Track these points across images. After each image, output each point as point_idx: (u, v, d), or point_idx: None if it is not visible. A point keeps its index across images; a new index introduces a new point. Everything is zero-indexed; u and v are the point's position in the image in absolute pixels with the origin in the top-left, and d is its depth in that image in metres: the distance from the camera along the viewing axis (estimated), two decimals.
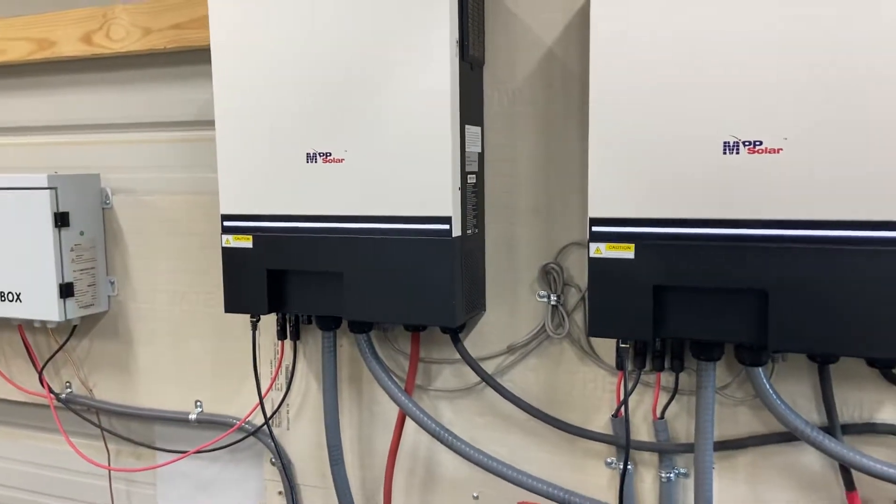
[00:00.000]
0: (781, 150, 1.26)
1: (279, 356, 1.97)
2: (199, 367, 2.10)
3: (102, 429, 2.22)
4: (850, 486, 1.47)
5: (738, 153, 1.29)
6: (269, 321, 1.92)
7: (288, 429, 2.01)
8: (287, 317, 1.89)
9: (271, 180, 1.66)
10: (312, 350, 1.96)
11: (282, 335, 1.89)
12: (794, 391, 1.50)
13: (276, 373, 1.99)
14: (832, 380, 1.46)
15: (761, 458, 1.56)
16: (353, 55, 1.56)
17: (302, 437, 2.00)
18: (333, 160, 1.62)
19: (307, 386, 1.99)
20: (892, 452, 1.46)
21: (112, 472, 2.27)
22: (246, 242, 1.71)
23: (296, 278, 1.72)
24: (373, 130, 1.56)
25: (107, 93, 2.11)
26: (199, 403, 2.11)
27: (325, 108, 1.59)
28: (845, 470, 1.47)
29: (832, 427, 1.46)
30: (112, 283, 2.16)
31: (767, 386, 1.44)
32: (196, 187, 2.02)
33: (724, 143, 1.29)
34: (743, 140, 1.28)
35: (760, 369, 1.44)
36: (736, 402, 1.56)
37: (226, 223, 1.71)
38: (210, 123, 1.70)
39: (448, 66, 1.50)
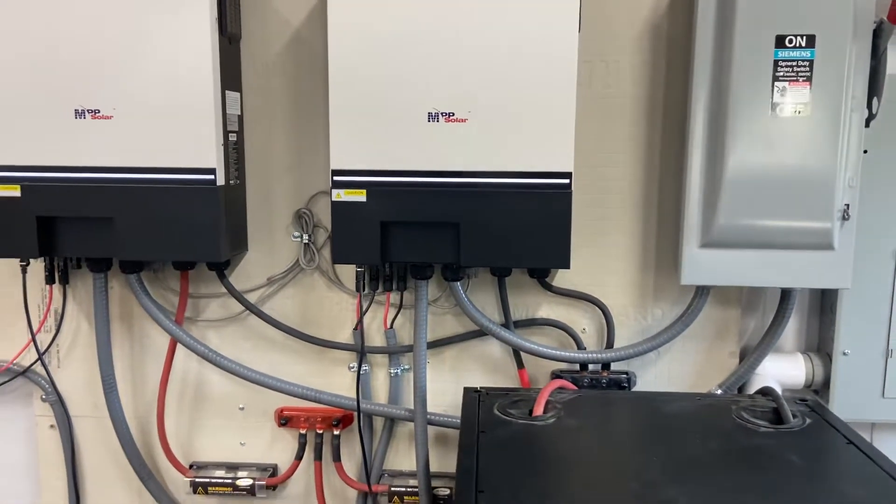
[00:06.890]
0: (467, 119, 1.74)
1: (48, 300, 2.10)
2: None
3: None
4: (520, 365, 2.05)
5: (438, 121, 1.75)
6: (35, 270, 2.04)
7: (59, 366, 2.15)
8: (56, 262, 2.04)
9: (40, 134, 1.82)
10: (82, 293, 2.12)
11: (50, 280, 2.04)
12: (483, 300, 2.04)
13: (46, 315, 2.12)
14: (507, 289, 2.01)
15: (461, 351, 2.09)
16: (121, 27, 1.77)
17: (73, 373, 2.16)
18: (102, 117, 1.82)
19: (77, 327, 2.14)
20: (547, 339, 2.06)
21: None
22: (14, 191, 1.84)
23: (66, 224, 1.89)
24: (144, 93, 1.79)
25: None
26: None
27: (93, 67, 1.79)
28: (517, 353, 2.05)
29: (508, 323, 2.02)
30: None
31: (464, 296, 1.96)
32: None
33: (429, 113, 1.75)
34: (441, 111, 1.74)
35: (459, 284, 1.94)
36: (444, 310, 2.06)
37: None
38: None
39: (209, 40, 1.78)
